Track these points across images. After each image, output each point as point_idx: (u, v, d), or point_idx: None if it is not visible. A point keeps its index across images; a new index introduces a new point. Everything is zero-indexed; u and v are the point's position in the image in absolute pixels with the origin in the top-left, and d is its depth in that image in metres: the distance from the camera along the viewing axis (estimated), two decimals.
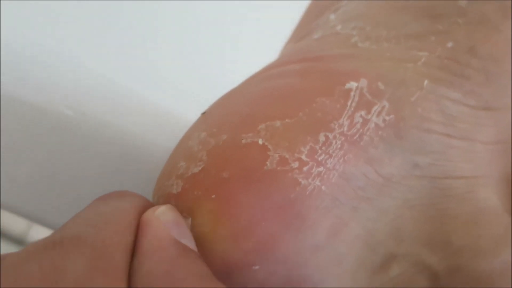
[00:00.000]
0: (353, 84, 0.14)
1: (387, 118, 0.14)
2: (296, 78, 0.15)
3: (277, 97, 0.14)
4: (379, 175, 0.14)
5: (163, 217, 0.13)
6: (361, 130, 0.14)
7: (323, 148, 0.13)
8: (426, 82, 0.15)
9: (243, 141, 0.13)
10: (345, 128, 0.14)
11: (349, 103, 0.14)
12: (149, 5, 0.27)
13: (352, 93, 0.14)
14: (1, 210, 0.22)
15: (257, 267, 0.13)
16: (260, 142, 0.13)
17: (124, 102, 0.24)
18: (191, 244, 0.13)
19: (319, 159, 0.13)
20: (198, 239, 0.13)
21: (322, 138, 0.13)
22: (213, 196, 0.13)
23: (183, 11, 0.28)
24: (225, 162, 0.13)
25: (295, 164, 0.13)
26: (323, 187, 0.13)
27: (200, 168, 0.13)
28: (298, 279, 0.13)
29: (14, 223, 0.77)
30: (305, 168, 0.13)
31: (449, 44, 0.15)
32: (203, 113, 0.16)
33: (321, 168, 0.13)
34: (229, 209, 0.13)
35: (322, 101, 0.14)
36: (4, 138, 0.21)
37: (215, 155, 0.13)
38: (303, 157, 0.13)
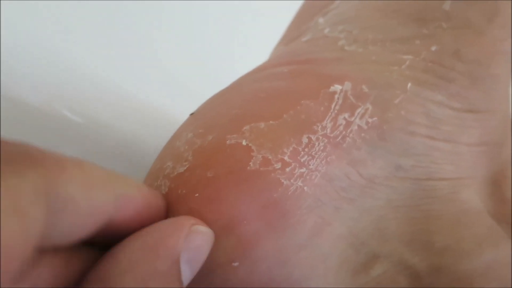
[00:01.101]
0: (337, 87, 0.15)
1: (370, 120, 0.14)
2: (283, 81, 0.15)
3: (263, 99, 0.15)
4: (361, 177, 0.14)
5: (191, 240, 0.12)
6: (344, 132, 0.14)
7: (306, 149, 0.14)
8: (409, 84, 0.15)
9: (228, 142, 0.14)
10: (328, 130, 0.14)
11: (333, 106, 0.14)
12: (151, 7, 0.27)
13: (336, 96, 0.15)
14: None
15: (236, 264, 0.13)
16: (244, 143, 0.14)
17: (124, 104, 0.24)
18: (191, 272, 0.12)
19: (302, 160, 0.14)
20: None
21: (305, 139, 0.14)
22: (197, 194, 0.13)
23: (181, 13, 0.28)
24: (209, 162, 0.13)
25: (278, 165, 0.13)
26: (305, 188, 0.14)
27: (185, 168, 0.14)
28: (280, 277, 0.14)
29: None
30: (287, 169, 0.13)
31: (434, 48, 0.15)
32: (192, 114, 0.16)
33: (304, 169, 0.14)
34: (211, 207, 0.13)
35: (306, 104, 0.14)
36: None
37: (200, 155, 0.14)
38: (286, 158, 0.13)
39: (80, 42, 0.25)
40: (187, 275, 0.12)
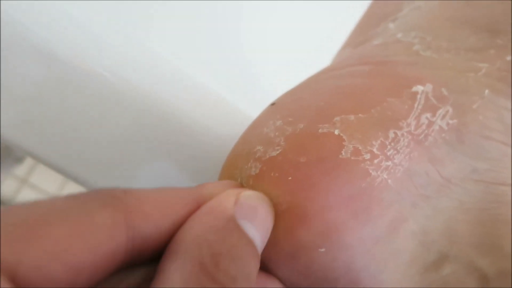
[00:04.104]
0: (419, 88, 0.15)
1: (450, 122, 0.15)
2: (365, 79, 0.16)
3: (350, 94, 0.15)
4: (440, 175, 0.15)
5: (244, 199, 0.13)
6: (426, 131, 0.15)
7: (392, 144, 0.14)
8: (486, 91, 0.15)
9: (320, 130, 0.14)
10: (412, 128, 0.15)
11: (416, 105, 0.15)
12: None
13: (418, 96, 0.15)
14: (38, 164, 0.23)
15: (323, 250, 0.13)
16: (336, 132, 0.14)
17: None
18: (256, 230, 0.13)
19: (388, 153, 0.14)
20: None
21: (391, 134, 0.14)
22: (289, 178, 0.14)
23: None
24: (302, 148, 0.14)
25: (367, 156, 0.14)
26: (389, 181, 0.14)
27: (278, 152, 0.14)
28: (357, 267, 0.14)
29: (49, 179, 0.80)
30: (375, 161, 0.14)
31: (508, 58, 0.16)
32: (272, 104, 0.16)
33: (389, 163, 0.14)
34: (304, 191, 0.13)
35: (391, 101, 0.15)
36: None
37: (292, 141, 0.14)
38: (375, 150, 0.14)
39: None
40: (253, 231, 0.13)
